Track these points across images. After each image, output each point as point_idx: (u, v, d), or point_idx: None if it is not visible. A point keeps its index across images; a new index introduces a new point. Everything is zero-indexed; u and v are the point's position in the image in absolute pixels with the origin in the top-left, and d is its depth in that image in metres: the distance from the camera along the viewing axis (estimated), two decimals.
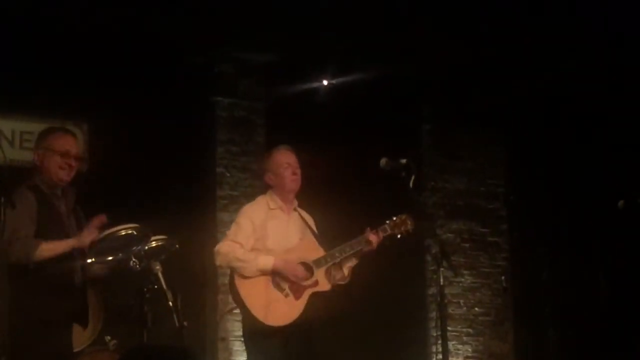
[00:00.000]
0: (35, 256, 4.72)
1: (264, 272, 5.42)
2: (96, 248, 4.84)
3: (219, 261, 5.50)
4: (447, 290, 5.59)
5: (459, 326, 9.17)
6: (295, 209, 5.71)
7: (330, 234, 5.74)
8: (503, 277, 9.32)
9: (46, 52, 7.54)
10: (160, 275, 5.56)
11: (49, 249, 4.77)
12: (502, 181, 9.62)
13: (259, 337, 5.41)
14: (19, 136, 7.77)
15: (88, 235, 4.79)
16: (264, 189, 5.78)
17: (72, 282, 4.91)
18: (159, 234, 5.50)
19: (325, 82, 8.75)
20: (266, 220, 5.57)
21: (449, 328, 8.06)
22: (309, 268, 5.45)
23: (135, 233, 4.93)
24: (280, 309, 5.38)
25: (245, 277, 5.42)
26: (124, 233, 4.89)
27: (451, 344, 8.87)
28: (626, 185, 7.70)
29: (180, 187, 8.09)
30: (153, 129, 7.94)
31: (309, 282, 5.43)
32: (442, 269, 5.29)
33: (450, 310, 8.84)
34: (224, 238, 5.64)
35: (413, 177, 5.28)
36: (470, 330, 9.22)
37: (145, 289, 5.91)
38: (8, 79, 7.30)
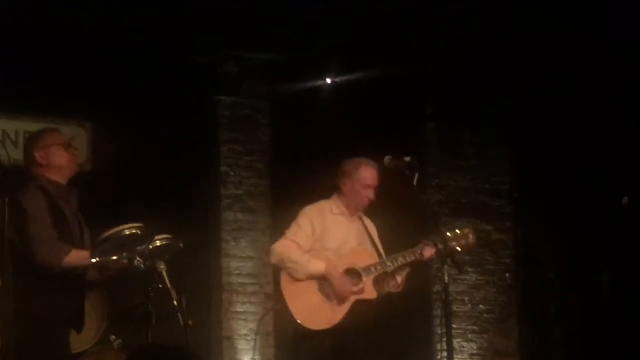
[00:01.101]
0: (65, 261, 4.77)
1: (314, 277, 5.48)
2: (100, 248, 4.84)
3: (273, 260, 5.59)
4: (452, 288, 5.62)
5: (464, 324, 9.16)
6: (358, 216, 5.75)
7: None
8: (508, 275, 9.32)
9: (49, 52, 7.54)
10: (164, 274, 5.55)
11: (80, 257, 4.84)
12: (506, 179, 9.60)
13: (305, 338, 5.48)
14: (22, 136, 7.77)
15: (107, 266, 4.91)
16: (331, 189, 5.80)
17: (74, 284, 4.91)
18: (163, 234, 5.50)
19: (329, 81, 8.74)
20: (327, 224, 5.62)
21: (453, 326, 8.08)
22: (357, 275, 5.48)
23: (139, 233, 4.94)
24: (321, 313, 5.44)
25: (293, 280, 5.50)
26: (128, 233, 4.90)
27: (456, 342, 8.86)
28: (631, 183, 7.69)
29: (184, 186, 8.09)
30: (157, 128, 7.94)
31: (355, 289, 5.44)
32: (446, 266, 5.29)
33: (455, 308, 8.82)
34: (282, 237, 5.68)
35: (417, 175, 5.28)
36: (475, 327, 9.22)
37: (150, 289, 5.90)
38: (11, 80, 7.30)
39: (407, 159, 5.32)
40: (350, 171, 5.74)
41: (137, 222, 4.98)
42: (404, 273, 5.63)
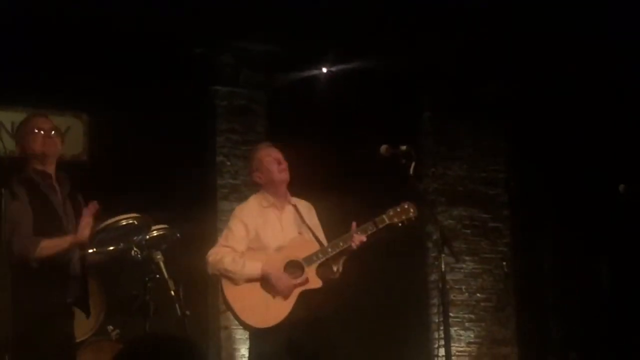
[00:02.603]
0: (35, 254, 4.72)
1: (252, 280, 5.37)
2: (97, 238, 4.84)
3: (209, 271, 5.45)
4: (448, 277, 5.58)
5: (461, 312, 9.17)
6: (290, 203, 5.64)
7: (332, 224, 5.70)
8: (504, 263, 9.33)
9: (45, 43, 7.53)
10: (161, 264, 5.57)
11: (49, 247, 4.75)
12: (502, 167, 9.61)
13: (255, 336, 5.42)
14: None
15: (84, 228, 4.78)
16: (255, 190, 5.69)
17: (72, 272, 4.91)
18: (160, 224, 5.51)
19: (325, 70, 8.74)
20: (259, 219, 5.52)
21: (450, 314, 8.12)
22: (299, 266, 5.39)
23: (136, 223, 4.94)
24: (267, 311, 5.34)
25: (232, 282, 5.40)
26: (124, 223, 4.89)
27: (453, 330, 8.89)
28: (627, 172, 7.70)
29: (180, 176, 8.08)
30: (153, 118, 7.93)
31: (298, 281, 5.36)
32: (443, 255, 5.28)
33: (452, 297, 8.85)
34: (216, 244, 5.58)
35: (413, 164, 5.27)
36: (472, 316, 9.23)
37: (147, 279, 5.93)
38: (7, 71, 7.29)
39: (404, 147, 5.31)
40: (253, 160, 5.66)
41: (133, 212, 4.97)
42: (341, 259, 5.51)
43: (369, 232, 5.44)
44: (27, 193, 4.82)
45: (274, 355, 5.32)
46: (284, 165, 5.60)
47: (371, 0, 7.59)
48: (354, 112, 8.69)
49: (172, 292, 5.50)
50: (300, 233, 5.57)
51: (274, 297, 5.37)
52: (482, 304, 9.31)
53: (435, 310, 8.86)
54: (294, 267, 5.40)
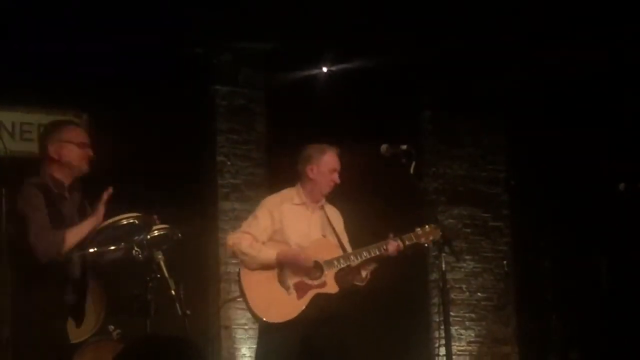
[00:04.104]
0: (64, 247, 4.73)
1: (267, 266, 5.36)
2: (98, 238, 4.84)
3: (228, 252, 5.53)
4: (449, 276, 5.60)
5: (462, 311, 9.18)
6: (321, 206, 5.63)
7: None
8: (505, 262, 9.33)
9: (45, 43, 7.53)
10: (162, 264, 5.56)
11: (74, 234, 4.77)
12: (503, 166, 9.61)
13: (264, 331, 5.43)
14: (19, 128, 7.78)
15: (101, 211, 4.82)
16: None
17: (71, 273, 4.91)
18: (160, 223, 5.50)
19: (324, 70, 8.74)
20: (287, 214, 5.52)
21: (451, 313, 8.12)
22: (319, 267, 5.37)
23: (137, 222, 4.94)
24: (280, 306, 5.33)
25: (250, 270, 5.41)
26: (125, 222, 4.89)
27: (454, 329, 8.90)
28: (626, 169, 7.70)
29: (181, 176, 8.09)
30: (153, 118, 7.93)
31: (315, 282, 5.35)
32: (444, 254, 5.30)
33: (452, 296, 8.85)
34: (239, 229, 5.60)
35: (414, 163, 5.28)
36: (472, 315, 9.24)
37: (147, 278, 5.91)
38: (8, 71, 7.29)
39: (404, 147, 5.32)
40: (316, 155, 5.62)
41: (134, 212, 4.97)
42: (370, 267, 5.51)
43: (407, 243, 5.40)
44: (44, 199, 4.81)
45: (282, 352, 5.32)
46: (337, 172, 5.58)
47: (370, 0, 7.59)
48: (354, 111, 8.69)
49: (173, 292, 5.48)
50: (324, 236, 5.56)
51: (288, 293, 5.36)
52: (483, 303, 9.31)
53: (435, 309, 8.85)
54: (315, 268, 5.38)
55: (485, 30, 8.16)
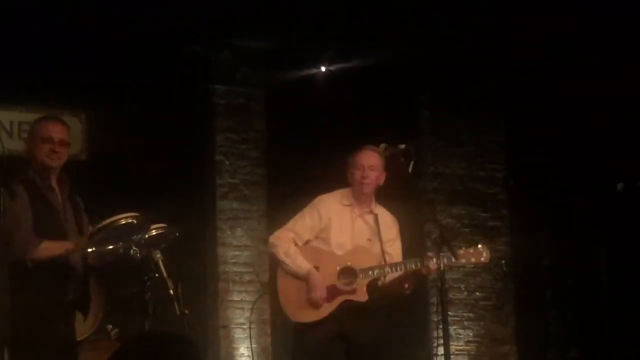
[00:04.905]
0: (34, 254, 4.75)
1: (297, 276, 5.47)
2: (96, 237, 4.84)
3: (269, 250, 5.64)
4: (447, 275, 5.58)
5: (460, 311, 9.17)
6: (372, 211, 5.64)
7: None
8: (503, 262, 9.32)
9: (43, 41, 7.52)
10: (160, 263, 5.56)
11: (48, 248, 4.78)
12: (501, 165, 9.61)
13: (297, 330, 5.55)
14: (17, 127, 7.77)
15: (87, 244, 4.83)
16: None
17: (71, 272, 4.92)
18: (159, 223, 5.50)
19: (323, 69, 8.73)
20: (334, 214, 5.57)
21: (449, 313, 8.10)
22: (353, 274, 5.41)
23: (135, 222, 4.93)
24: (306, 307, 5.42)
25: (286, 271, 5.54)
26: (123, 222, 4.89)
27: (452, 329, 8.89)
28: (626, 168, 7.69)
29: (179, 175, 8.08)
30: (151, 117, 7.93)
31: (347, 289, 5.41)
32: (442, 254, 5.29)
33: (451, 295, 8.83)
34: (284, 226, 5.68)
35: (412, 163, 5.28)
36: (471, 314, 9.23)
37: (146, 278, 5.91)
38: (5, 70, 7.28)
39: (402, 146, 5.33)
40: (351, 158, 5.67)
41: (132, 211, 4.97)
42: (413, 279, 5.51)
43: (446, 263, 5.36)
44: (27, 193, 4.84)
45: (313, 351, 5.43)
46: (369, 176, 5.55)
47: None
48: (353, 110, 8.68)
49: (171, 291, 5.50)
50: (370, 240, 5.56)
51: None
52: (481, 302, 9.31)
53: (434, 309, 8.86)
54: (349, 274, 5.43)
55: (485, 30, 8.15)
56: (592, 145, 9.15)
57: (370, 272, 5.41)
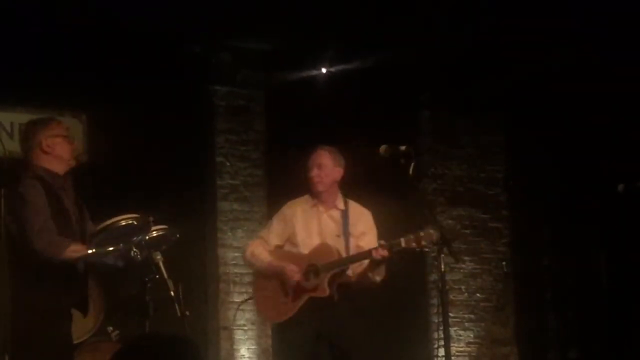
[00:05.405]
0: (64, 255, 4.77)
1: (265, 273, 5.64)
2: (97, 239, 4.84)
3: (243, 258, 5.89)
4: (448, 277, 5.58)
5: (461, 312, 9.17)
6: (337, 207, 5.72)
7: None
8: (504, 263, 9.33)
9: (44, 43, 7.52)
10: (161, 265, 5.57)
11: (76, 251, 4.82)
12: (502, 167, 9.61)
13: (274, 330, 5.81)
14: (17, 128, 7.77)
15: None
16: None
17: (74, 272, 4.92)
18: (159, 224, 5.50)
19: (324, 70, 8.73)
20: (298, 217, 5.68)
21: (450, 314, 8.09)
22: (315, 271, 5.48)
23: (135, 223, 4.94)
24: (278, 308, 5.56)
25: (259, 274, 5.71)
26: (124, 223, 4.90)
27: (453, 330, 8.88)
28: (626, 169, 7.70)
29: (180, 176, 8.08)
30: (152, 119, 7.93)
31: (309, 286, 5.47)
32: (442, 255, 5.29)
33: (451, 297, 8.83)
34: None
35: (413, 164, 5.27)
36: (471, 316, 9.23)
37: (146, 279, 5.93)
38: (7, 71, 7.28)
39: (403, 147, 5.32)
40: (305, 160, 5.82)
41: (133, 212, 4.97)
42: (377, 268, 5.52)
43: (394, 249, 5.40)
44: (43, 188, 4.84)
45: (293, 347, 5.54)
46: (321, 172, 5.68)
47: (369, 0, 7.59)
48: (353, 111, 8.68)
49: (172, 293, 5.50)
50: (338, 237, 5.63)
51: (286, 296, 5.54)
52: (482, 304, 9.31)
53: (434, 310, 8.85)
54: (313, 271, 5.50)
55: (485, 30, 8.15)
56: (592, 145, 9.16)
57: (329, 266, 5.48)
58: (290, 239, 5.67)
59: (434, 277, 8.81)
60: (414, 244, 5.39)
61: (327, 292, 5.45)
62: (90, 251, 4.86)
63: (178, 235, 5.70)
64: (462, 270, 9.21)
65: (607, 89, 8.75)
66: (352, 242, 5.63)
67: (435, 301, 8.73)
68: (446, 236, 5.33)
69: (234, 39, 8.39)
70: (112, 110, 7.73)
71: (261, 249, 5.67)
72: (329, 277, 5.45)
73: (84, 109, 7.94)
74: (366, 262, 5.49)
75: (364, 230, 5.71)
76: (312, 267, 5.48)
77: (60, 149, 4.99)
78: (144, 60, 7.89)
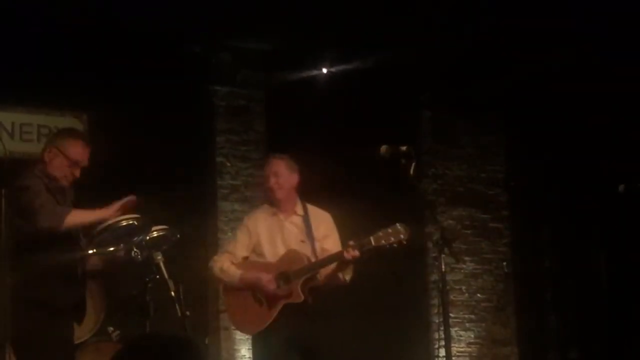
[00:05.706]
0: (66, 222, 4.78)
1: (236, 286, 5.60)
2: (97, 239, 4.85)
3: (211, 275, 5.75)
4: (448, 277, 5.59)
5: (461, 312, 9.17)
6: (296, 213, 5.73)
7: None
8: (505, 263, 9.33)
9: (44, 43, 7.53)
10: (162, 265, 5.57)
11: (79, 216, 4.85)
12: (502, 167, 9.61)
13: (253, 340, 5.71)
14: (18, 128, 7.77)
15: (117, 210, 4.88)
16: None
17: (73, 273, 4.92)
18: (160, 224, 5.51)
19: (324, 70, 8.73)
20: (262, 227, 5.69)
21: (451, 314, 8.11)
22: (287, 279, 5.49)
23: (136, 223, 4.95)
24: (253, 319, 5.55)
25: (229, 288, 5.67)
26: (125, 224, 4.91)
27: (453, 330, 8.89)
28: (626, 169, 7.70)
29: (180, 177, 8.08)
30: (152, 119, 7.93)
31: (283, 293, 5.47)
32: (443, 255, 5.28)
33: (452, 297, 8.84)
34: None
35: (413, 164, 5.27)
36: (472, 316, 9.23)
37: (147, 279, 5.93)
38: (7, 71, 7.29)
39: (403, 147, 5.31)
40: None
41: (133, 213, 4.97)
42: (346, 268, 5.52)
43: (364, 249, 5.38)
44: (45, 185, 4.85)
45: (275, 356, 5.48)
46: (278, 179, 5.68)
47: (370, 1, 7.59)
48: (353, 111, 8.68)
49: (172, 293, 5.51)
50: (303, 242, 5.63)
51: (260, 306, 5.53)
52: (483, 304, 9.31)
53: (435, 310, 8.84)
54: (284, 278, 5.51)
55: (485, 30, 8.15)
56: (592, 145, 9.16)
57: (302, 272, 5.48)
58: (256, 249, 5.66)
59: (434, 277, 8.81)
60: (383, 242, 5.38)
61: (302, 297, 5.46)
62: (90, 251, 4.86)
63: (179, 236, 5.70)
64: (462, 271, 9.21)
65: (607, 89, 8.75)
66: (317, 245, 5.64)
67: (435, 301, 8.72)
68: (447, 236, 5.33)
69: (234, 39, 8.39)
70: (113, 110, 7.72)
71: (228, 263, 5.64)
72: (301, 282, 5.46)
73: (84, 109, 7.94)
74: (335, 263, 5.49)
75: (326, 232, 5.72)
76: (283, 274, 5.48)
77: (56, 166, 5.01)
78: (144, 60, 7.89)
